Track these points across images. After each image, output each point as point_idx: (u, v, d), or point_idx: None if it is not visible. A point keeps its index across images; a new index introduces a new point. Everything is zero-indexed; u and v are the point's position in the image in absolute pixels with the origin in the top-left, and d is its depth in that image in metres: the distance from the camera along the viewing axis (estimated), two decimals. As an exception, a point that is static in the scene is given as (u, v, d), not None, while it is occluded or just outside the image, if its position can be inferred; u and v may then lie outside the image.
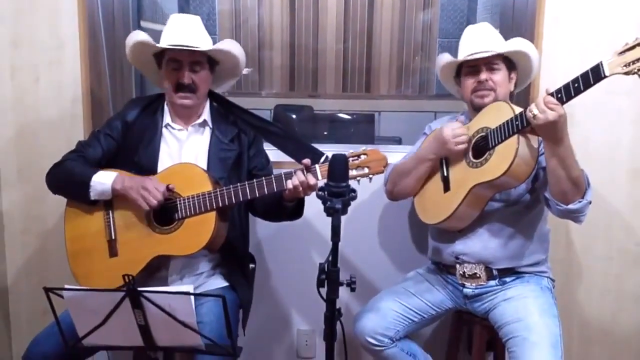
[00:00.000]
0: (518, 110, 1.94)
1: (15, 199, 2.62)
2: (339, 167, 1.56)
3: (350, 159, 1.91)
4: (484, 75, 2.12)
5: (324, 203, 1.53)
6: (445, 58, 2.25)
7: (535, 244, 2.16)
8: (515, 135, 1.92)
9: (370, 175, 1.93)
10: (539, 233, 2.18)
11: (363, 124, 3.86)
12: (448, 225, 2.15)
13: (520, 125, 1.90)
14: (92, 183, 2.00)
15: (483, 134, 2.05)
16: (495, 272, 2.13)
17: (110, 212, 2.06)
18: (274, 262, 2.73)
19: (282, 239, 2.67)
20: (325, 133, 3.87)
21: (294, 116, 3.95)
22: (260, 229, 2.66)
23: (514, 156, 1.90)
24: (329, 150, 2.88)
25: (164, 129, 2.18)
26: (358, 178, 1.92)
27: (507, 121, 1.94)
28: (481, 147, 2.05)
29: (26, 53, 2.53)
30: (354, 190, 1.56)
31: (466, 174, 2.06)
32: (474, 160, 2.05)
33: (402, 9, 6.48)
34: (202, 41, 2.11)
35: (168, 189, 1.97)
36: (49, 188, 2.12)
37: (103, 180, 2.00)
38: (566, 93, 1.80)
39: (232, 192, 1.97)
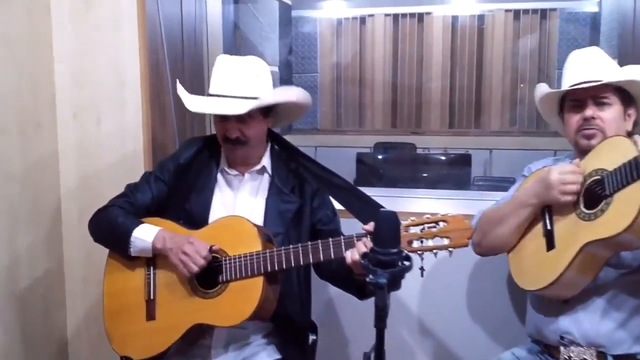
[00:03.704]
0: None
1: (76, 245, 2.49)
2: (387, 227, 1.20)
3: (426, 225, 1.60)
4: (589, 112, 1.74)
5: (367, 275, 1.18)
6: (542, 89, 1.87)
7: (666, 324, 1.68)
8: None
9: (450, 249, 1.59)
10: (672, 311, 1.70)
11: (459, 165, 3.42)
12: (551, 293, 1.74)
13: None
14: (132, 238, 1.80)
15: (597, 177, 1.65)
16: (610, 360, 1.68)
17: (152, 268, 1.84)
18: (345, 331, 2.41)
19: (356, 305, 2.33)
20: (419, 175, 3.49)
21: (379, 157, 3.59)
22: (331, 289, 2.34)
23: None
24: (415, 196, 2.56)
25: (218, 174, 1.96)
26: (435, 250, 1.59)
27: (630, 161, 1.54)
28: (595, 194, 1.65)
29: (88, 93, 2.42)
30: (407, 258, 1.19)
31: (576, 228, 1.66)
32: (586, 211, 1.64)
33: (515, 38, 6.02)
34: (250, 89, 1.85)
35: (212, 251, 1.73)
36: (91, 235, 1.95)
37: (144, 237, 1.80)
38: None
39: (283, 255, 1.70)
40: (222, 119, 1.86)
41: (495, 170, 5.64)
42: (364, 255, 1.22)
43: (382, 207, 1.87)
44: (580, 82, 1.76)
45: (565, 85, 1.82)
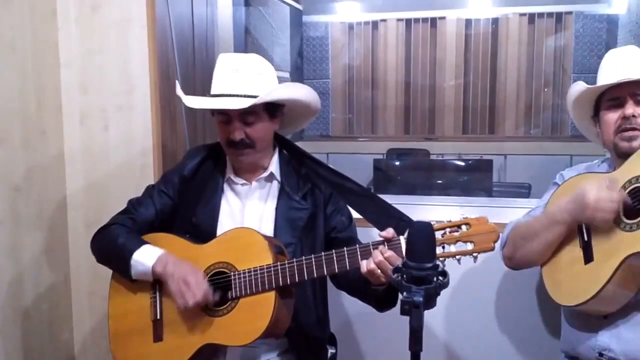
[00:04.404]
0: None
1: (83, 257, 2.38)
2: (421, 240, 1.09)
3: (448, 230, 1.48)
4: (629, 110, 1.65)
5: (400, 292, 1.07)
6: (578, 87, 1.77)
7: None
8: None
9: (475, 254, 1.47)
10: None
11: (479, 171, 3.30)
12: (590, 308, 1.63)
13: None
14: (132, 262, 1.69)
15: (638, 184, 1.56)
16: (656, 380, 1.57)
17: (158, 287, 1.74)
18: (366, 343, 2.29)
19: (377, 315, 2.22)
20: (439, 182, 3.37)
21: (397, 163, 3.48)
22: (350, 299, 2.22)
23: None
24: (435, 203, 2.45)
25: (225, 184, 1.85)
26: (458, 256, 1.47)
27: None
28: (636, 203, 1.55)
29: (95, 99, 2.32)
30: (444, 274, 1.08)
31: (616, 239, 1.56)
32: (628, 221, 1.55)
33: (530, 41, 5.90)
34: (252, 87, 1.73)
35: (206, 298, 1.63)
36: (93, 255, 1.86)
37: (144, 260, 1.69)
38: None
39: (295, 268, 1.59)
40: (225, 122, 1.74)
41: (509, 176, 5.53)
42: (395, 270, 1.11)
43: (400, 212, 1.77)
44: (619, 79, 1.66)
45: (602, 83, 1.71)
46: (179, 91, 1.83)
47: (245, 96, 1.70)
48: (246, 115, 1.71)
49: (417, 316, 1.03)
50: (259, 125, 1.74)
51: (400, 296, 1.07)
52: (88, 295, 2.42)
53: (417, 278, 1.07)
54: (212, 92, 1.77)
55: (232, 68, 1.75)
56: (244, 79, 1.73)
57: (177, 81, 1.89)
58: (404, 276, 1.08)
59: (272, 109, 1.76)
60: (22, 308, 2.17)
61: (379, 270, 1.50)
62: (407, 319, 1.05)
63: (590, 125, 1.83)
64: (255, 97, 1.69)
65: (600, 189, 1.56)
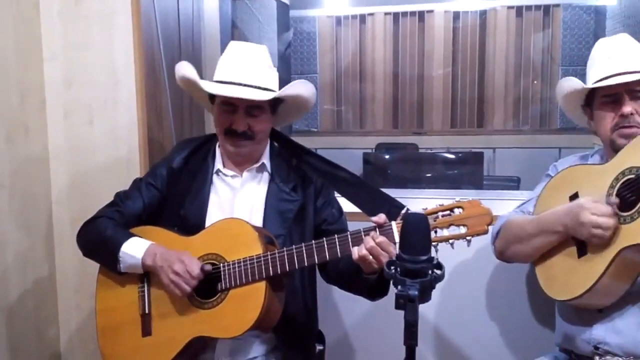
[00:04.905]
0: None
1: (69, 254, 2.34)
2: (416, 232, 1.07)
3: (440, 214, 1.45)
4: (627, 108, 1.60)
5: (394, 285, 1.05)
6: (570, 84, 1.73)
7: None
8: None
9: (468, 237, 1.45)
10: None
11: (469, 164, 3.29)
12: (585, 302, 1.61)
13: None
14: (120, 254, 1.67)
15: (632, 176, 1.52)
16: (651, 371, 1.56)
17: (146, 280, 1.71)
18: (354, 339, 2.27)
19: (365, 310, 2.19)
20: (429, 175, 3.35)
21: (387, 157, 3.46)
22: (338, 295, 2.22)
23: None
24: (425, 197, 2.43)
25: (214, 176, 1.82)
26: (451, 241, 1.44)
27: None
28: (630, 194, 1.52)
29: (79, 93, 2.27)
30: (439, 266, 1.06)
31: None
32: (622, 214, 1.51)
33: (519, 34, 5.90)
34: (264, 80, 1.73)
35: (203, 270, 1.60)
36: (80, 250, 1.82)
37: (133, 252, 1.67)
38: None
39: (286, 257, 1.56)
40: (230, 111, 1.73)
41: (498, 170, 5.54)
42: (389, 264, 1.09)
43: (392, 198, 1.76)
44: (614, 74, 1.62)
45: (595, 77, 1.67)
46: (193, 75, 1.78)
47: (257, 87, 1.71)
48: (252, 108, 1.72)
49: (412, 310, 1.01)
50: (263, 117, 1.75)
51: (394, 290, 1.04)
52: (74, 293, 2.38)
53: (412, 271, 1.04)
54: (222, 78, 1.74)
55: (245, 58, 1.75)
56: (257, 71, 1.73)
57: (185, 62, 1.82)
58: (398, 269, 1.06)
59: (275, 103, 1.77)
60: (7, 306, 2.12)
61: (371, 257, 1.48)
62: (396, 314, 1.05)
63: (582, 114, 1.81)
64: (266, 89, 1.71)
65: (597, 211, 1.51)
